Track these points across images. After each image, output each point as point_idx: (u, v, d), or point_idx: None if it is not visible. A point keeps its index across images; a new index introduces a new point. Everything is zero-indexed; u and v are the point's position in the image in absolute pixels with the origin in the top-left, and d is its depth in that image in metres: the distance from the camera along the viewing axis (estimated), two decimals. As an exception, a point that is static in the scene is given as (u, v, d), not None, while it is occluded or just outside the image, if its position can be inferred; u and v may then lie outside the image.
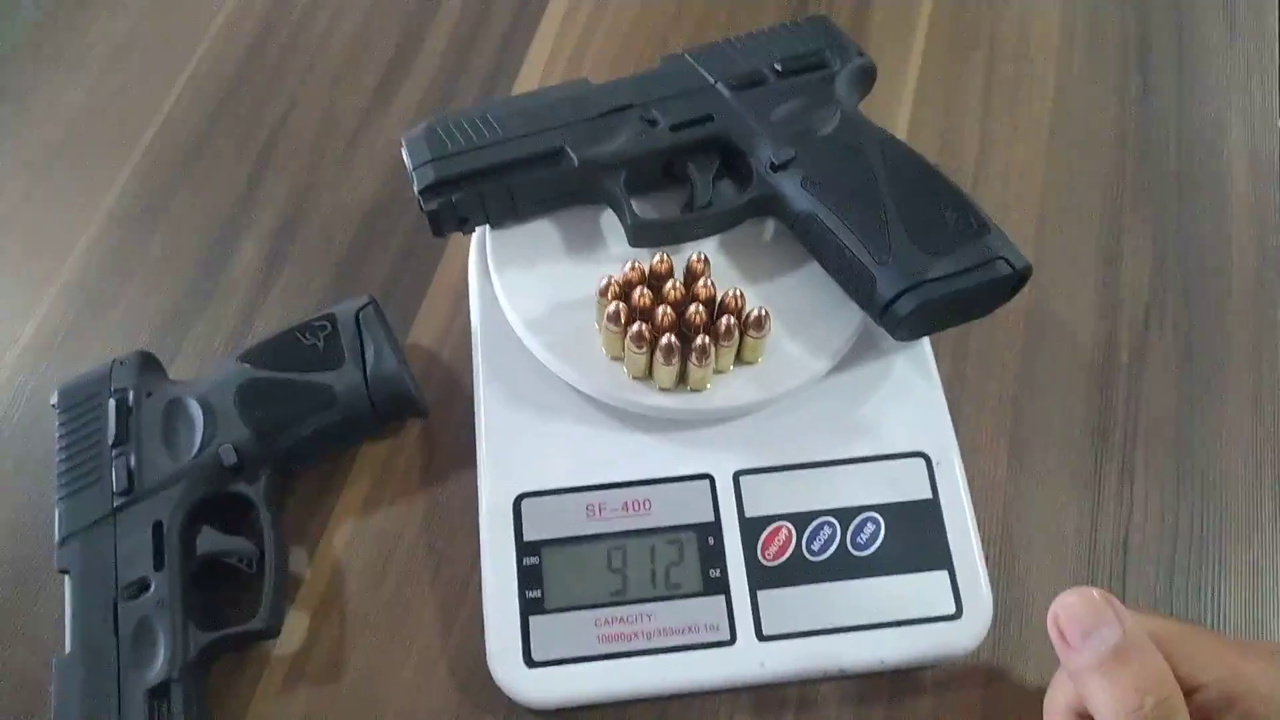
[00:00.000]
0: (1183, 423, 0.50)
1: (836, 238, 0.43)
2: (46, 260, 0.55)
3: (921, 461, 0.45)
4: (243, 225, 0.56)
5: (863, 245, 0.42)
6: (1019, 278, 0.42)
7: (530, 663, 0.42)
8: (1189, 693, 0.33)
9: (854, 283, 0.44)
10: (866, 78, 0.49)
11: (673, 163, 0.47)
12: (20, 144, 0.59)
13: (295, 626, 0.45)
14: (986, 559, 0.44)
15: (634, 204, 0.46)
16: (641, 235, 0.46)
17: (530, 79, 0.61)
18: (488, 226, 0.48)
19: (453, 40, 0.62)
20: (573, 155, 0.46)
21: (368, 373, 0.46)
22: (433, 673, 0.44)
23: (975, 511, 0.44)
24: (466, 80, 0.61)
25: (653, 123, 0.47)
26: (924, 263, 0.42)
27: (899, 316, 0.42)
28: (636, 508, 0.44)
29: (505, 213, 0.47)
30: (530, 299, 0.46)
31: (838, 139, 0.45)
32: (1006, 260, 0.42)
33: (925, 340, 0.48)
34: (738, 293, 0.43)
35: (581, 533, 0.44)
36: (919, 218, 0.43)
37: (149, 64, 0.62)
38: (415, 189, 0.46)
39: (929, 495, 0.44)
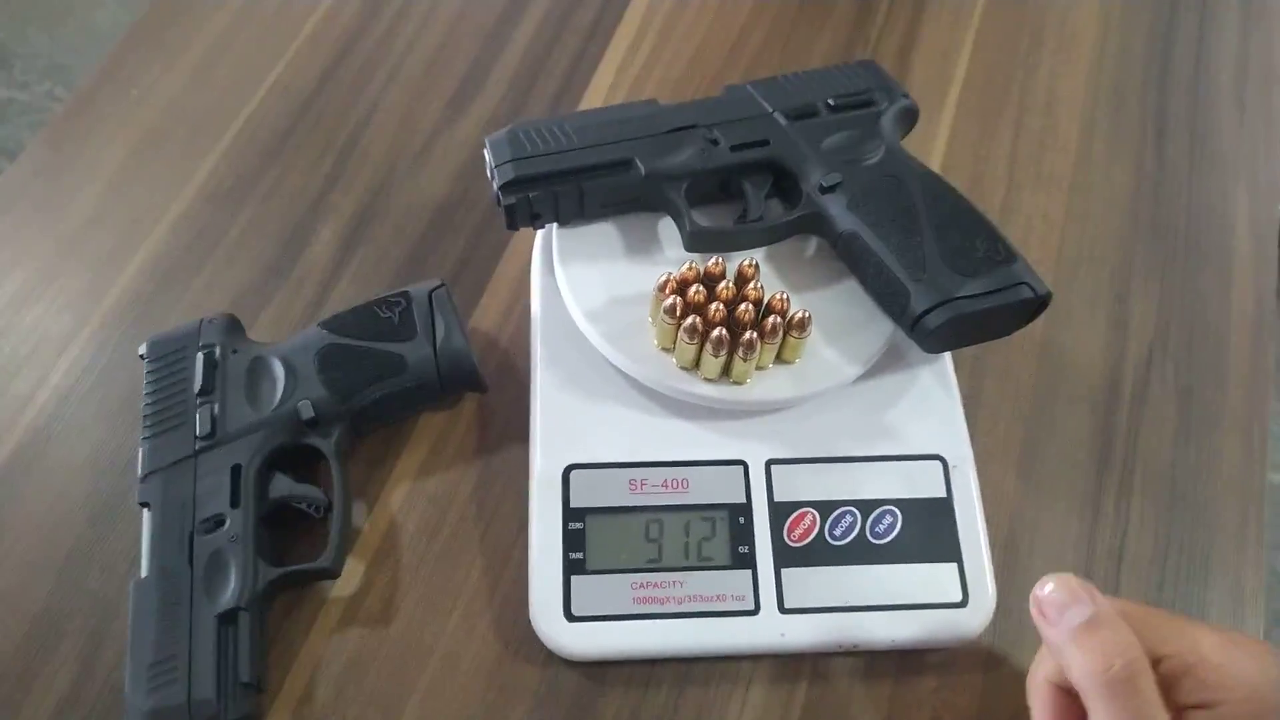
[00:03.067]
0: (1178, 451, 0.54)
1: (876, 255, 0.48)
2: (137, 229, 0.60)
3: (938, 464, 0.49)
4: (321, 212, 0.61)
5: (899, 263, 0.47)
6: (1040, 303, 0.47)
7: (570, 617, 0.45)
8: (1153, 663, 0.37)
9: (888, 297, 0.48)
10: (909, 117, 0.54)
11: (730, 179, 0.52)
12: (120, 124, 0.64)
13: (352, 572, 0.49)
14: (991, 557, 0.47)
15: (692, 213, 0.50)
16: (697, 241, 0.50)
17: (594, 100, 0.66)
18: (555, 224, 0.53)
19: (525, 59, 0.68)
20: (640, 166, 0.50)
21: (437, 347, 0.50)
22: (477, 623, 0.48)
23: (984, 513, 0.48)
24: (535, 97, 0.66)
25: (715, 142, 0.51)
26: (955, 283, 0.46)
27: (929, 329, 0.46)
28: (675, 485, 0.48)
29: (574, 212, 0.52)
30: (590, 292, 0.51)
31: (881, 168, 0.50)
32: (1030, 285, 0.46)
33: (948, 355, 0.52)
34: (784, 296, 0.47)
35: (623, 504, 0.48)
36: (952, 243, 0.47)
37: (242, 60, 0.67)
38: (495, 185, 0.51)
39: (943, 494, 0.48)
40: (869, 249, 0.48)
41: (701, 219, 0.51)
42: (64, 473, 0.52)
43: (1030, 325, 0.48)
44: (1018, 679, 0.46)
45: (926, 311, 0.46)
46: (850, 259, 0.50)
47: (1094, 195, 0.63)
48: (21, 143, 1.71)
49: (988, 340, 0.49)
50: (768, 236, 0.51)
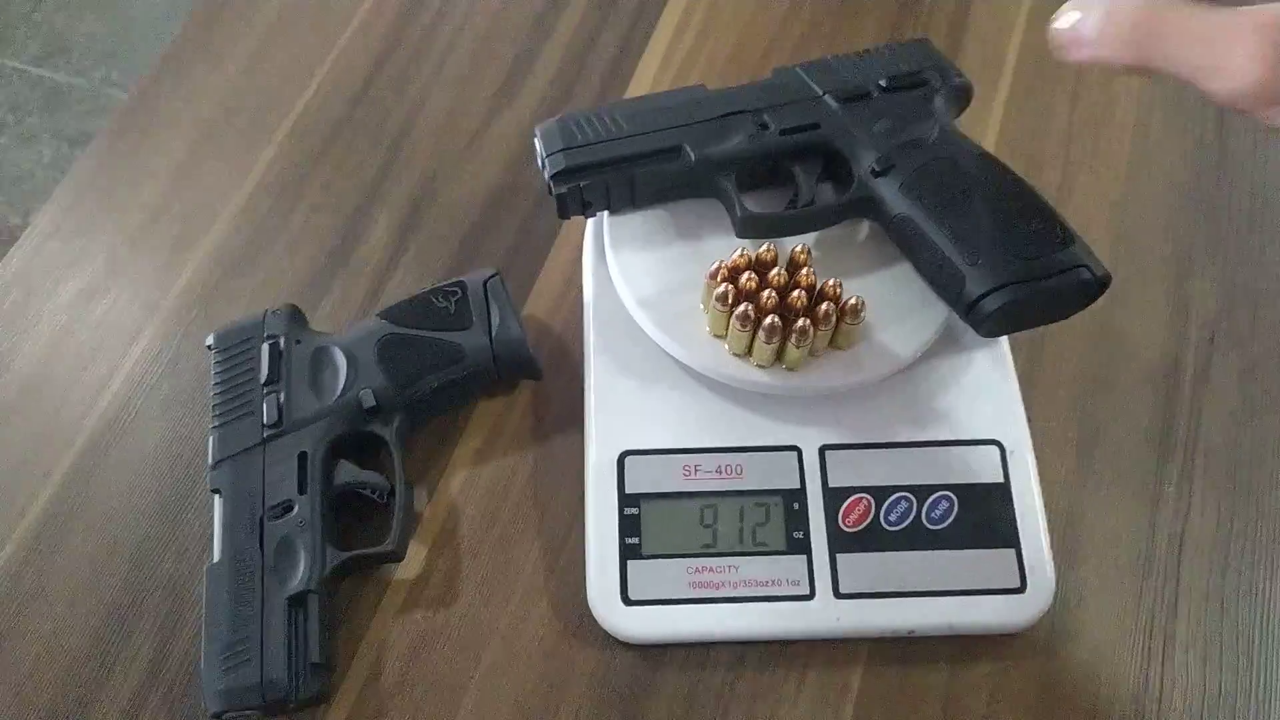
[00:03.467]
0: (1242, 435, 0.53)
1: (929, 239, 0.47)
2: (198, 223, 0.61)
3: (995, 449, 0.49)
4: (376, 202, 0.62)
5: (954, 247, 0.46)
6: (1099, 285, 0.46)
7: (627, 601, 0.46)
8: None
9: (943, 281, 0.48)
10: (963, 97, 0.54)
11: (780, 164, 0.52)
12: (179, 118, 0.65)
13: (413, 557, 0.50)
14: (1050, 542, 0.47)
15: (742, 199, 0.50)
16: (748, 227, 0.50)
17: (641, 86, 0.66)
18: (606, 213, 0.53)
19: (571, 46, 0.68)
20: (690, 152, 0.51)
21: (493, 335, 0.51)
22: (535, 606, 0.49)
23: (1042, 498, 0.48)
24: (582, 83, 0.67)
25: (764, 127, 0.51)
26: (1011, 265, 0.45)
27: (985, 313, 0.46)
28: (729, 472, 0.49)
29: (624, 200, 0.52)
30: (642, 279, 0.51)
31: (935, 150, 0.49)
32: (1089, 268, 0.45)
33: (1004, 339, 0.52)
34: (837, 282, 0.47)
35: (678, 489, 0.48)
36: (1008, 225, 0.46)
37: (294, 51, 0.68)
38: (547, 174, 0.51)
39: (1001, 480, 0.48)
40: (923, 232, 0.48)
41: (752, 205, 0.51)
42: (136, 461, 0.53)
43: (1088, 308, 0.48)
44: (1076, 665, 0.46)
45: (982, 296, 0.46)
46: (903, 243, 0.49)
47: (1153, 174, 0.62)
48: (82, 129, 1.75)
49: (1045, 324, 0.48)
50: (819, 221, 0.51)
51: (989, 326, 0.47)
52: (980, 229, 0.46)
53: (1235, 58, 0.31)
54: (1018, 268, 0.45)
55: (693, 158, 0.50)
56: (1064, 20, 0.35)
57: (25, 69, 1.81)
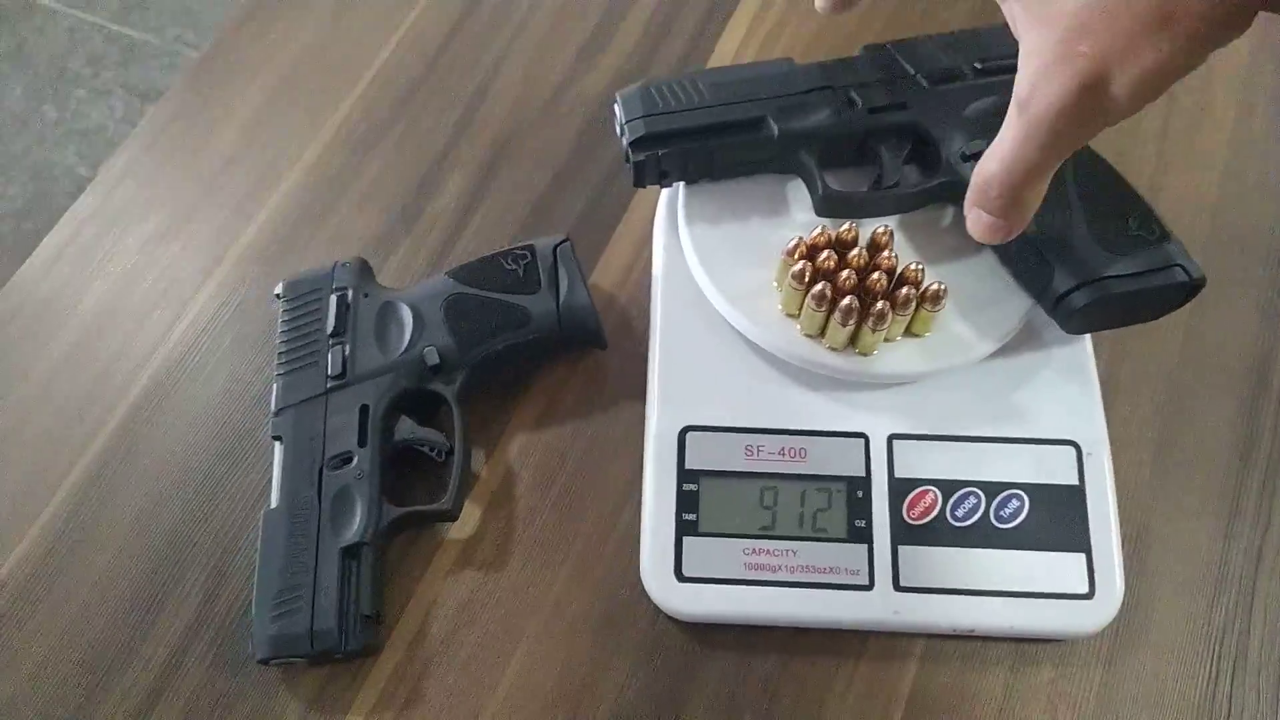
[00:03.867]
0: (1330, 452, 0.51)
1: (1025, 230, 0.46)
2: (273, 172, 0.61)
3: (1071, 450, 0.47)
4: (449, 162, 0.61)
5: (1043, 238, 0.45)
6: (1193, 286, 0.44)
7: (680, 577, 0.46)
8: None
9: (1030, 273, 0.46)
10: None
11: (865, 143, 0.50)
12: (257, 69, 0.65)
13: (468, 517, 0.50)
14: (1122, 549, 0.46)
15: (825, 177, 0.49)
16: (829, 205, 0.49)
17: (724, 58, 0.65)
18: (681, 184, 0.52)
19: (655, 13, 0.67)
20: (774, 126, 0.49)
21: (560, 301, 0.51)
22: (587, 576, 0.48)
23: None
24: (664, 51, 0.65)
25: (851, 104, 0.50)
26: (1103, 261, 0.44)
27: (1072, 309, 0.44)
28: (792, 454, 0.48)
29: (703, 172, 0.51)
30: (714, 253, 0.50)
31: None
32: (1184, 268, 0.44)
33: (1087, 336, 0.50)
34: (919, 267, 0.46)
35: (739, 469, 0.47)
36: (1101, 219, 0.45)
37: (376, 7, 0.68)
38: (625, 141, 0.50)
39: (1075, 482, 0.47)
40: None
41: (834, 183, 0.49)
42: (198, 405, 0.54)
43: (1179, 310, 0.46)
44: (1140, 678, 0.45)
45: (1071, 291, 0.44)
46: None
47: (1250, 176, 0.59)
48: (154, 85, 1.77)
49: (1135, 324, 0.46)
50: (903, 204, 0.49)
51: (1075, 323, 0.45)
52: (1072, 222, 0.45)
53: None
54: (1108, 263, 0.44)
55: (776, 131, 0.49)
56: (978, 229, 0.39)
57: (104, 25, 1.84)
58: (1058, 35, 0.33)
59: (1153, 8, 0.31)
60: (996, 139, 0.36)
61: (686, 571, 0.46)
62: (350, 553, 0.46)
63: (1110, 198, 0.46)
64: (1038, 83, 0.34)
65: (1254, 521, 0.49)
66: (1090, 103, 0.33)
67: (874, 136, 0.50)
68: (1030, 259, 0.46)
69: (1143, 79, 0.32)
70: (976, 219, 0.38)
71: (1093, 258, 0.44)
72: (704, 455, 0.48)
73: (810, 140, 0.49)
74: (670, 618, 0.46)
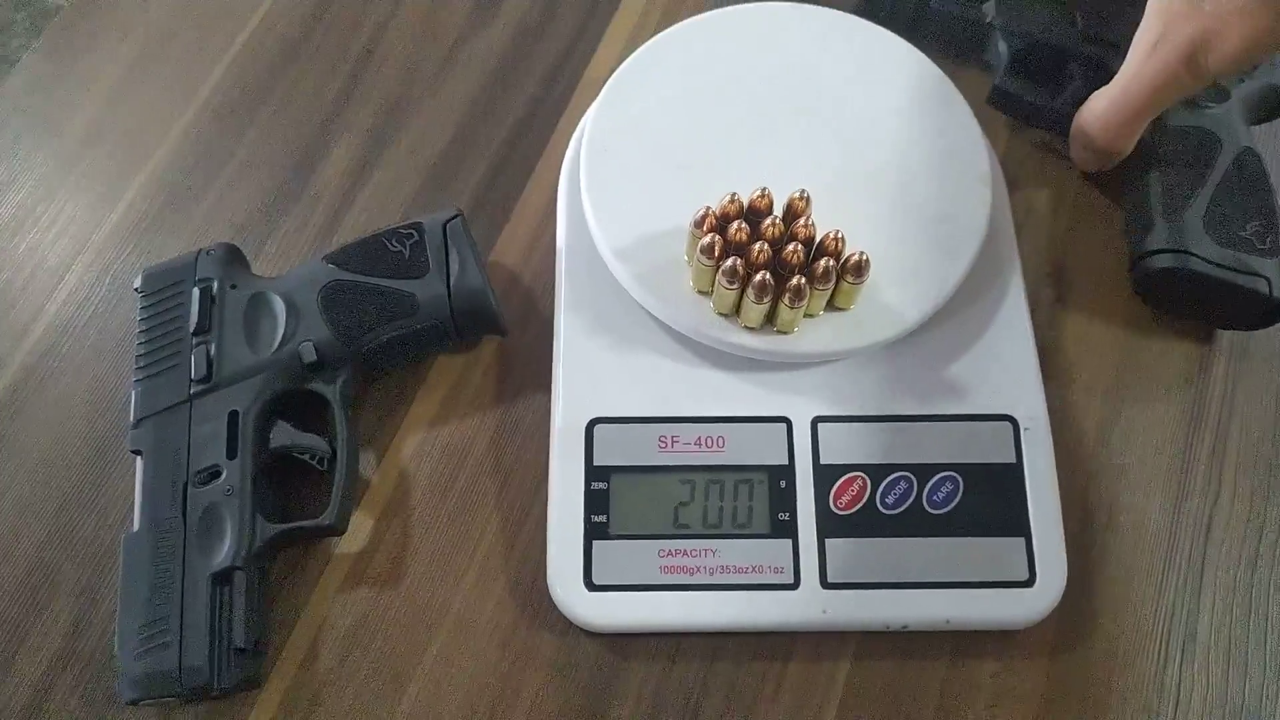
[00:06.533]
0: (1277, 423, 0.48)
1: (1149, 179, 0.48)
2: (139, 147, 0.55)
3: (1008, 425, 0.44)
4: (335, 128, 0.56)
5: (1163, 199, 0.47)
6: (1273, 305, 0.44)
7: (591, 586, 0.42)
8: None
9: (1137, 221, 0.48)
10: (1265, 98, 0.51)
11: (1062, 62, 0.51)
12: (123, 33, 0.59)
13: (359, 528, 0.45)
14: (1064, 531, 0.43)
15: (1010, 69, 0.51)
16: (1000, 97, 0.51)
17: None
18: (583, 142, 0.47)
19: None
20: (993, 7, 0.52)
21: (451, 285, 0.46)
22: (492, 587, 0.44)
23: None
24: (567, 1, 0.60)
25: (1073, 23, 0.51)
26: (1199, 240, 0.45)
27: (1151, 269, 0.46)
28: (710, 444, 0.44)
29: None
30: (620, 224, 0.45)
31: (1210, 125, 0.48)
32: (1269, 282, 0.44)
33: (1021, 302, 0.46)
34: (839, 235, 0.41)
35: (652, 463, 0.44)
36: (1224, 210, 0.46)
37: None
38: None
39: (1013, 460, 0.43)
40: (1146, 170, 0.48)
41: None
42: (60, 412, 0.48)
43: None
44: (1087, 666, 0.42)
45: (1157, 251, 0.46)
46: (1128, 171, 0.49)
47: None
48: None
49: (1212, 325, 0.48)
50: (1066, 127, 0.50)
51: (1147, 284, 0.47)
52: (1195, 198, 0.46)
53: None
54: (1203, 245, 0.45)
55: (993, 12, 0.51)
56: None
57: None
58: None
59: None
60: (1114, 79, 0.45)
61: (597, 579, 0.42)
62: (221, 578, 0.41)
63: (1244, 196, 0.46)
64: (1163, 32, 0.42)
65: (1203, 491, 0.46)
66: (1200, 60, 0.41)
67: (1077, 59, 0.51)
68: (1144, 208, 0.47)
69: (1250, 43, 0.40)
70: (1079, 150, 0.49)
71: (1191, 233, 0.45)
72: (614, 449, 0.44)
73: (1018, 36, 0.51)
74: (584, 630, 0.43)
